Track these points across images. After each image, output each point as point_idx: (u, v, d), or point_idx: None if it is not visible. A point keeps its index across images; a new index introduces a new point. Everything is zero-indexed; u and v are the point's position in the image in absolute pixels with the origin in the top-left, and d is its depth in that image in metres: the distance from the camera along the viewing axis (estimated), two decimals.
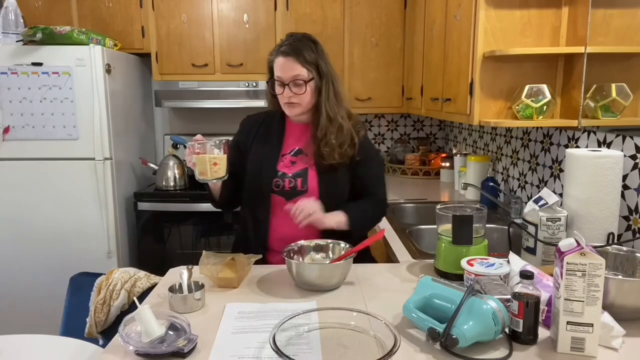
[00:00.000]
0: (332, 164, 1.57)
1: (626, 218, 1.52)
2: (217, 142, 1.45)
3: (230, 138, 1.69)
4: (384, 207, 1.71)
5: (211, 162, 1.42)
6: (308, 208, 1.47)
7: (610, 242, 1.41)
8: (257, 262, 1.45)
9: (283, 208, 1.57)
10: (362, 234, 1.67)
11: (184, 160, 3.15)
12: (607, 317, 1.03)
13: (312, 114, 1.61)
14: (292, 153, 1.64)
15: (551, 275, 1.12)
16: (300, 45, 1.54)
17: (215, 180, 1.46)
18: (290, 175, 1.60)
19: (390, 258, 1.77)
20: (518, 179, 2.32)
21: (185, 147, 3.20)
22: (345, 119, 1.60)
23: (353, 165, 1.62)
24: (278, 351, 0.91)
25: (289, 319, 1.05)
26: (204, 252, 1.43)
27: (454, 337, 0.98)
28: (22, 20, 2.75)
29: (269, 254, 1.63)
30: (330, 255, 1.46)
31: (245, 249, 1.64)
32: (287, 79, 1.53)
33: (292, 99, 1.54)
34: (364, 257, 1.53)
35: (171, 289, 1.24)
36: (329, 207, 1.57)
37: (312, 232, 1.55)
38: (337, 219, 1.54)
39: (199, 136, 1.47)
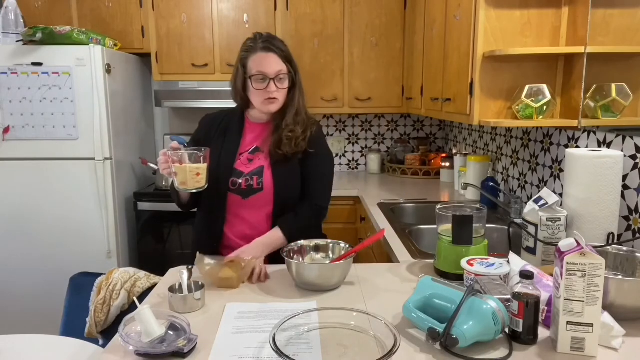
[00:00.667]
0: (285, 155, 1.59)
1: (626, 218, 1.52)
2: (195, 150, 1.41)
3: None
4: (319, 212, 1.68)
5: (193, 172, 1.40)
6: (257, 268, 1.42)
7: (610, 242, 1.41)
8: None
9: (239, 208, 1.62)
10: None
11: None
12: (607, 317, 1.03)
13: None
14: (250, 151, 1.65)
15: (551, 275, 1.12)
16: (276, 42, 1.58)
17: (195, 191, 1.44)
18: (246, 173, 1.61)
19: (390, 258, 1.77)
20: (518, 179, 2.32)
21: (185, 147, 3.21)
22: (307, 113, 1.66)
23: (303, 159, 1.63)
24: (278, 351, 0.91)
25: (289, 319, 1.05)
26: (197, 254, 1.42)
27: (454, 337, 0.98)
28: (22, 20, 2.75)
29: (224, 253, 1.64)
30: (330, 255, 1.46)
31: (201, 247, 1.65)
32: (272, 73, 1.54)
33: (275, 93, 1.56)
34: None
35: (171, 289, 1.24)
36: (283, 203, 1.60)
37: (265, 229, 1.60)
38: (276, 243, 1.56)
39: (175, 143, 1.44)
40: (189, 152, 1.40)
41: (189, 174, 1.39)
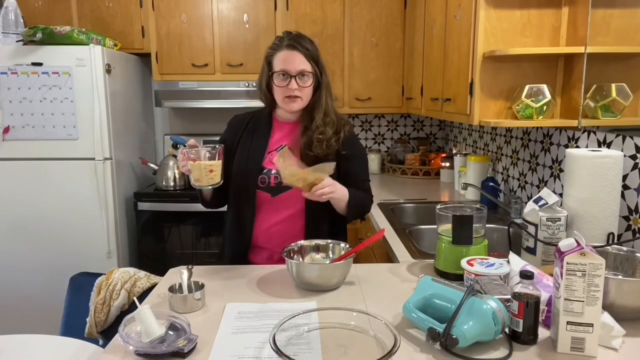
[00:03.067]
0: (317, 156, 1.57)
1: (626, 218, 1.52)
2: (211, 147, 1.44)
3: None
4: (371, 202, 1.74)
5: (207, 169, 1.42)
6: (331, 188, 1.46)
7: (610, 242, 1.41)
8: (245, 262, 1.54)
9: (268, 206, 1.61)
10: (346, 223, 1.71)
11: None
12: (607, 317, 1.03)
13: (302, 110, 1.63)
14: (278, 150, 1.64)
15: (551, 275, 1.12)
16: (302, 41, 1.57)
17: (210, 187, 1.47)
18: (275, 171, 1.60)
19: (390, 258, 1.77)
20: (518, 179, 2.32)
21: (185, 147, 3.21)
22: (337, 114, 1.65)
23: (338, 160, 1.61)
24: (278, 351, 0.91)
25: (289, 319, 1.05)
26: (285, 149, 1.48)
27: (454, 337, 0.98)
28: (22, 20, 2.75)
29: (251, 253, 1.64)
30: (330, 255, 1.46)
31: (230, 248, 1.66)
32: (294, 71, 1.54)
33: (297, 91, 1.55)
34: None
35: (171, 289, 1.24)
36: (311, 202, 1.57)
37: (296, 229, 1.60)
38: (344, 193, 1.55)
39: (192, 141, 1.47)
40: (204, 149, 1.43)
41: (203, 170, 1.42)
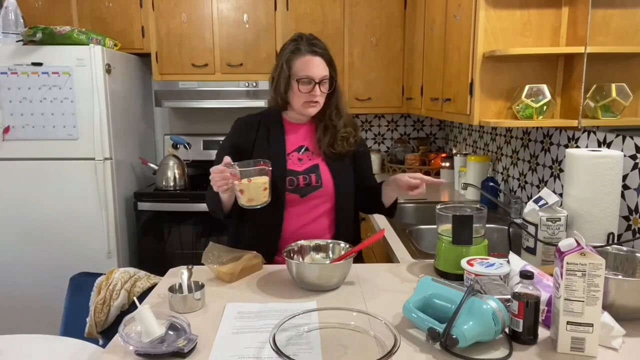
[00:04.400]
0: (340, 153, 1.62)
1: (626, 218, 1.52)
2: (253, 162, 1.40)
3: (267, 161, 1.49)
4: None
5: (261, 187, 1.39)
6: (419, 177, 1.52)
7: (610, 242, 1.41)
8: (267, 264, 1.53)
9: (296, 207, 1.61)
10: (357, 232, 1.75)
11: (185, 161, 3.15)
12: (607, 317, 1.03)
13: None
14: (297, 150, 1.64)
15: (551, 275, 1.12)
16: (323, 45, 1.59)
17: (259, 206, 1.43)
18: (302, 171, 1.60)
19: (390, 258, 1.77)
20: (518, 179, 2.32)
21: (185, 147, 3.21)
22: (348, 113, 1.69)
23: (355, 157, 1.69)
24: (278, 351, 0.91)
25: (289, 319, 1.05)
26: (210, 243, 1.47)
27: (454, 337, 0.98)
28: (22, 20, 2.75)
29: (277, 256, 1.62)
30: (330, 255, 1.46)
31: (256, 249, 1.63)
32: (319, 78, 1.54)
33: (318, 97, 1.56)
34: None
35: (171, 289, 1.24)
36: (341, 199, 1.63)
37: (324, 227, 1.63)
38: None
39: (228, 159, 1.40)
40: (251, 167, 1.39)
41: (259, 190, 1.39)
